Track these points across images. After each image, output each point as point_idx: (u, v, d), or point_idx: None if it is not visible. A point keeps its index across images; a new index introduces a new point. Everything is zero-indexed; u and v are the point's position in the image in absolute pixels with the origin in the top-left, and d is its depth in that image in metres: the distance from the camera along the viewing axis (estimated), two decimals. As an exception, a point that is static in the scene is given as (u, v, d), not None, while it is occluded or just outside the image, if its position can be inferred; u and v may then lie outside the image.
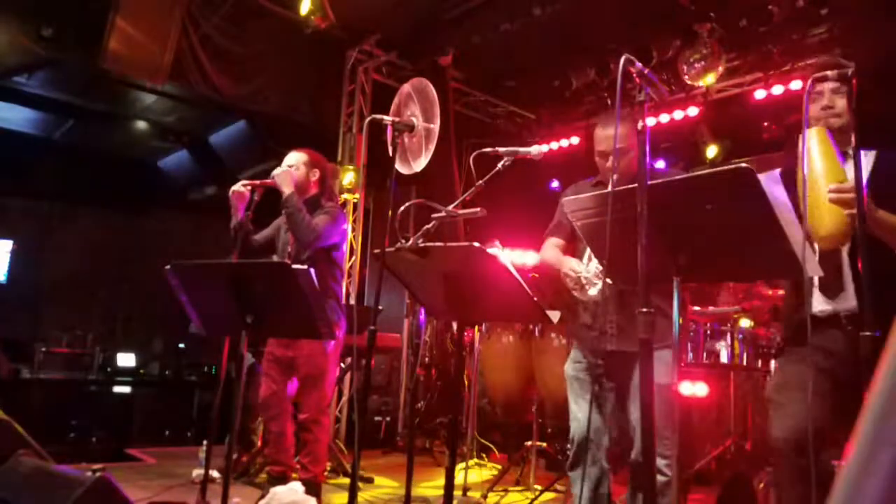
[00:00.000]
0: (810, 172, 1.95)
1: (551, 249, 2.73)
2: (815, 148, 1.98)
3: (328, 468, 4.48)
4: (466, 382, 5.33)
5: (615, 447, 2.71)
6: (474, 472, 4.83)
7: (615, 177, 2.52)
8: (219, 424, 3.35)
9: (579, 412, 2.62)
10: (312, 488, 3.33)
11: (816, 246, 2.07)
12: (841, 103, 2.09)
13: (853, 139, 2.06)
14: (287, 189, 3.31)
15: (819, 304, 2.12)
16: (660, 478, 2.39)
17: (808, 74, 2.10)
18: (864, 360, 1.56)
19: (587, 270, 2.50)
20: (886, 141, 2.10)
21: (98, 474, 1.88)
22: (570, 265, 2.54)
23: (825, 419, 2.01)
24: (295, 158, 3.58)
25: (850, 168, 2.06)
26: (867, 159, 2.09)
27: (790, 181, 2.01)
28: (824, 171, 1.94)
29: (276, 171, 3.39)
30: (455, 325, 2.65)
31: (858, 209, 1.66)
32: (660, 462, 2.39)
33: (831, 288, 2.09)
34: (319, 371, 3.41)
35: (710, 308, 4.61)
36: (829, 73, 1.87)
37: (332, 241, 3.47)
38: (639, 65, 1.74)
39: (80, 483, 1.86)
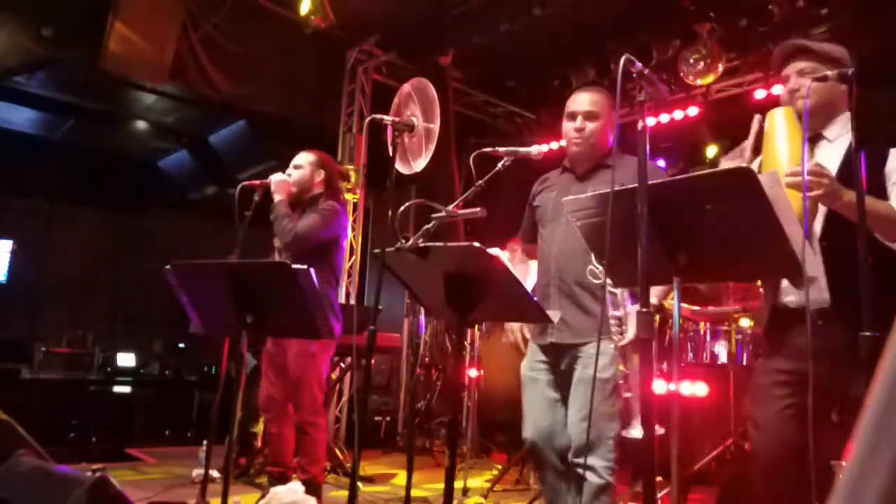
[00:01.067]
0: (772, 155, 1.92)
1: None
2: (778, 128, 1.95)
3: (328, 468, 4.49)
4: (466, 382, 5.33)
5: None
6: (474, 472, 4.83)
7: (580, 143, 2.50)
8: (219, 424, 3.35)
9: (528, 415, 2.52)
10: (312, 488, 3.33)
11: None
12: (804, 83, 1.99)
13: (839, 125, 2.04)
14: (277, 196, 3.41)
15: (787, 294, 2.07)
16: (596, 480, 2.31)
17: (772, 65, 2.08)
18: (864, 360, 1.56)
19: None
20: (885, 140, 2.08)
21: (98, 474, 1.88)
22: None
23: (797, 427, 1.98)
24: (302, 159, 3.62)
25: (823, 150, 2.05)
26: (837, 144, 2.04)
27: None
28: (788, 153, 1.89)
29: (275, 177, 3.44)
30: (454, 325, 2.65)
31: (859, 208, 1.65)
32: (598, 463, 2.31)
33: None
34: (307, 372, 3.41)
35: (710, 308, 4.61)
36: (829, 73, 1.86)
37: (322, 238, 3.45)
38: (639, 65, 1.74)
39: (80, 483, 1.86)
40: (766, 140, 1.97)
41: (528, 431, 2.51)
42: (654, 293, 2.28)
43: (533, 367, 2.58)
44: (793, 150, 1.89)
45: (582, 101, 2.56)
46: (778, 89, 5.34)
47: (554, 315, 2.29)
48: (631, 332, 2.25)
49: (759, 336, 4.37)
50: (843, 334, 1.83)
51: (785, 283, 2.08)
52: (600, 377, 2.25)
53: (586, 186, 2.50)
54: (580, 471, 2.32)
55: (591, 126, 2.52)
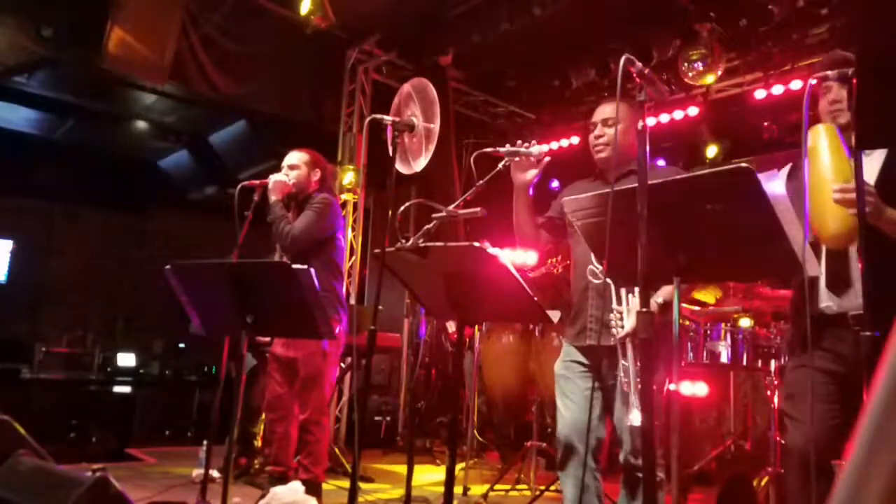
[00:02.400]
0: (817, 171, 1.93)
1: None
2: (823, 145, 1.96)
3: (328, 468, 4.49)
4: (466, 382, 5.33)
5: (613, 447, 2.68)
6: (474, 472, 4.83)
7: (604, 149, 2.53)
8: (219, 424, 3.35)
9: (565, 411, 2.55)
10: (313, 488, 3.33)
11: (823, 245, 2.06)
12: (845, 94, 2.06)
13: (853, 139, 2.06)
14: (273, 196, 3.42)
15: (826, 300, 2.10)
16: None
17: (809, 74, 2.09)
18: (865, 360, 1.56)
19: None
20: (887, 142, 2.08)
21: (98, 474, 1.87)
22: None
23: (835, 427, 2.00)
24: (297, 158, 3.61)
25: (861, 160, 2.06)
26: (878, 156, 2.06)
27: (799, 177, 2.00)
28: (833, 169, 1.91)
29: (274, 177, 3.44)
30: (454, 325, 2.65)
31: (859, 207, 1.66)
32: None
33: (838, 285, 2.08)
34: (318, 371, 3.42)
35: (710, 308, 4.60)
36: (829, 73, 1.87)
37: (319, 235, 3.47)
38: (639, 65, 1.74)
39: (80, 483, 1.86)
40: (811, 156, 1.97)
41: (563, 426, 2.54)
42: (663, 293, 2.32)
43: (567, 367, 2.59)
44: (837, 166, 1.91)
45: (600, 111, 2.62)
46: (778, 89, 5.38)
47: (553, 315, 2.30)
48: (628, 325, 2.28)
49: (761, 336, 4.37)
50: (874, 341, 1.86)
51: (821, 288, 2.11)
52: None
53: None
54: (637, 473, 2.37)
55: (609, 132, 2.55)
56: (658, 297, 2.31)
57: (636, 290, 2.31)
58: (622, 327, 2.30)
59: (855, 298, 2.01)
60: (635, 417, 2.20)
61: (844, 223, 1.85)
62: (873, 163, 2.04)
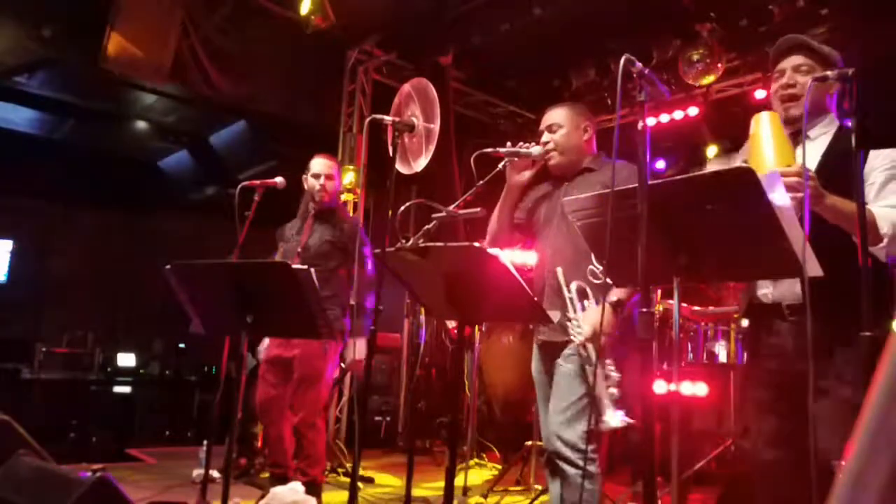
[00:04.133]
0: (759, 157, 1.92)
1: None
2: (765, 131, 1.94)
3: (328, 467, 4.49)
4: (466, 382, 5.33)
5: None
6: (474, 472, 4.83)
7: (553, 155, 2.57)
8: (219, 424, 3.35)
9: (544, 414, 2.55)
10: (313, 489, 3.33)
11: None
12: (803, 80, 2.01)
13: (822, 124, 2.04)
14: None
15: (763, 286, 2.07)
16: (574, 470, 2.34)
17: (769, 63, 2.08)
18: (865, 360, 1.56)
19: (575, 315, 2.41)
20: (886, 141, 2.08)
21: (98, 474, 1.88)
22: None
23: (789, 436, 1.98)
24: (330, 168, 3.67)
25: (801, 148, 2.06)
26: (818, 143, 2.03)
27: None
28: (775, 153, 1.88)
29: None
30: (454, 325, 2.65)
31: (859, 208, 1.65)
32: (574, 454, 2.34)
33: None
34: (316, 373, 3.42)
35: (710, 308, 4.61)
36: (829, 73, 1.86)
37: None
38: (639, 65, 1.74)
39: (80, 483, 1.86)
40: (752, 141, 1.97)
41: (542, 428, 2.56)
42: (619, 293, 2.33)
43: (537, 368, 2.63)
44: (779, 151, 1.89)
45: (546, 118, 2.66)
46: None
47: (554, 315, 2.30)
48: (585, 329, 2.29)
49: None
50: (814, 329, 1.84)
51: None
52: (574, 371, 2.35)
53: (570, 191, 2.54)
54: (560, 463, 2.36)
55: (556, 137, 2.59)
56: (612, 296, 2.33)
57: (590, 294, 2.34)
58: (580, 334, 2.32)
59: (791, 286, 1.97)
60: (611, 418, 2.20)
61: None
62: (815, 151, 2.02)
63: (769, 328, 2.05)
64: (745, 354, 2.30)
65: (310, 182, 3.63)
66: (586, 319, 2.30)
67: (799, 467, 1.87)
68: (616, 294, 2.33)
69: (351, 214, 6.08)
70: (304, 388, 3.42)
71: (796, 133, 2.00)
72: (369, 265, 3.56)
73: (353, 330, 3.45)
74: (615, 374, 2.26)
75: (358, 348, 3.41)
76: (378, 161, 5.75)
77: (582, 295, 2.36)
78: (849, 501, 0.52)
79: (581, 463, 2.32)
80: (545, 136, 2.62)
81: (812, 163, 1.93)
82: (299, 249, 3.55)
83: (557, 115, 2.62)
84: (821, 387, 1.90)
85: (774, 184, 1.58)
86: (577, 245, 2.29)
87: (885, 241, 1.84)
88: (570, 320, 2.35)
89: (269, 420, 3.52)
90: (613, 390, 2.24)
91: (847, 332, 1.62)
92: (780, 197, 1.58)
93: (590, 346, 2.27)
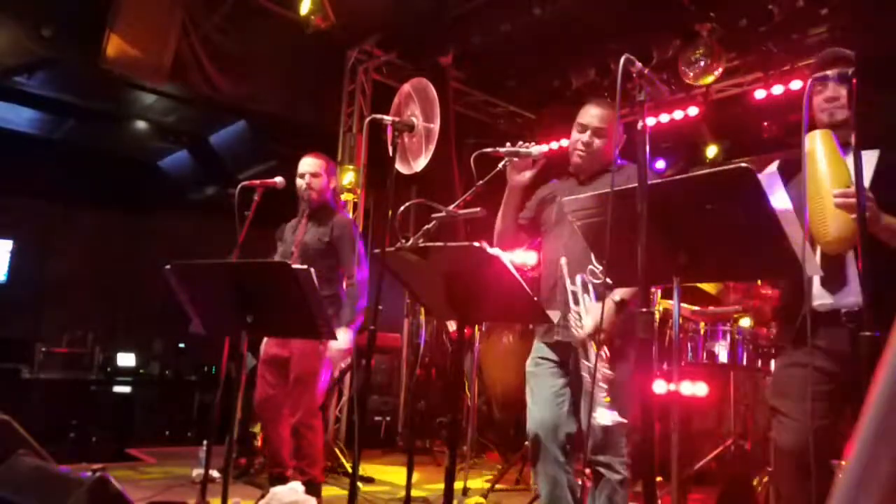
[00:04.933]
0: (815, 176, 1.93)
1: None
2: (819, 150, 1.95)
3: (328, 467, 4.49)
4: (466, 382, 5.33)
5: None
6: (474, 472, 4.83)
7: (583, 156, 2.57)
8: (219, 424, 3.35)
9: (534, 408, 2.58)
10: (312, 488, 3.33)
11: (819, 249, 2.05)
12: (845, 93, 2.04)
13: (853, 138, 2.05)
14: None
15: (819, 297, 2.09)
16: (614, 476, 2.39)
17: (809, 73, 2.08)
18: (864, 360, 1.56)
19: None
20: (887, 141, 2.08)
21: (98, 474, 1.88)
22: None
23: (828, 426, 2.00)
24: (317, 166, 3.64)
25: (853, 163, 2.06)
26: (869, 158, 2.06)
27: (789, 173, 2.00)
28: (830, 174, 1.91)
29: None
30: (454, 325, 2.65)
31: (858, 208, 1.66)
32: (613, 460, 2.39)
33: (833, 282, 2.07)
34: (311, 371, 3.41)
35: (710, 308, 4.60)
36: (829, 72, 1.86)
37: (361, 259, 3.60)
38: (639, 65, 1.74)
39: (80, 483, 1.86)
40: (809, 160, 1.97)
41: (532, 423, 2.55)
42: (622, 292, 2.34)
43: (537, 363, 2.62)
44: (834, 172, 1.91)
45: (593, 115, 2.61)
46: (778, 89, 5.38)
47: (554, 315, 2.30)
48: (588, 324, 2.30)
49: (761, 336, 4.37)
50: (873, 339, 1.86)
51: (816, 286, 2.10)
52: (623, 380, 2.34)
53: (587, 191, 2.52)
54: (600, 469, 2.40)
55: (597, 142, 2.58)
56: (615, 295, 2.33)
57: (591, 290, 2.36)
58: (581, 327, 2.33)
59: (849, 297, 2.00)
60: (602, 416, 2.22)
61: (846, 228, 1.84)
62: (865, 166, 2.03)
63: (825, 334, 2.06)
64: (782, 360, 2.29)
65: (297, 182, 3.63)
66: (589, 314, 2.31)
67: (824, 461, 1.88)
68: (620, 294, 2.33)
69: (351, 214, 6.10)
70: (301, 387, 3.42)
71: (845, 144, 2.01)
72: (362, 266, 3.56)
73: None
74: (608, 373, 2.27)
75: (340, 338, 3.40)
76: (378, 161, 5.76)
77: (585, 289, 2.36)
78: (849, 502, 0.52)
79: (623, 469, 2.38)
80: (586, 136, 2.59)
81: (864, 178, 1.94)
82: (293, 249, 3.55)
83: (605, 120, 2.57)
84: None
85: (774, 184, 1.58)
86: (586, 245, 2.31)
87: None
88: (570, 312, 2.36)
89: (267, 419, 3.53)
90: (604, 386, 2.25)
91: None
92: (780, 197, 1.58)
93: (590, 343, 2.27)
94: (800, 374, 2.10)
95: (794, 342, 2.17)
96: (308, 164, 3.65)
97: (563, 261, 2.42)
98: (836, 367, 2.04)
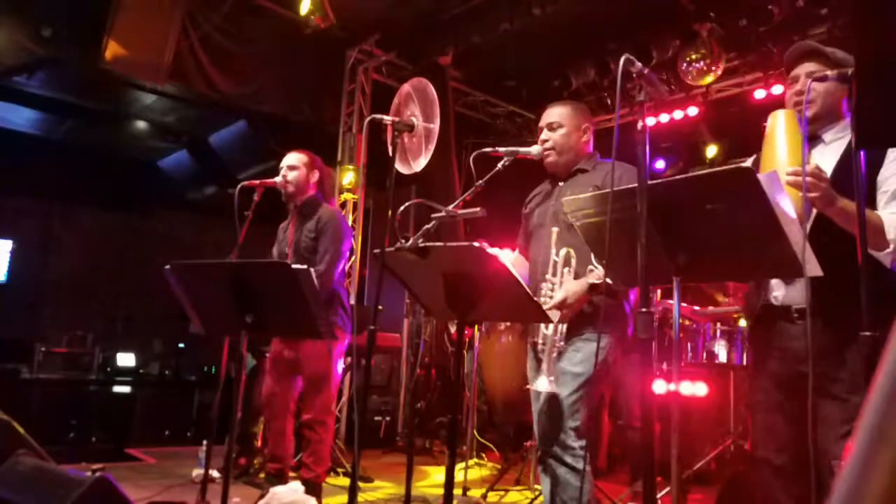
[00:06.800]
0: (772, 154, 1.92)
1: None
2: (780, 130, 1.95)
3: (328, 467, 4.49)
4: (466, 382, 5.33)
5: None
6: (474, 472, 4.83)
7: (550, 153, 2.58)
8: (219, 424, 3.35)
9: (535, 405, 2.58)
10: (313, 488, 3.33)
11: None
12: (817, 87, 2.01)
13: (837, 129, 2.05)
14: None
15: (775, 288, 2.08)
16: (563, 468, 2.36)
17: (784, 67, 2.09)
18: (864, 360, 1.56)
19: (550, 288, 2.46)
20: (886, 141, 2.08)
21: (98, 474, 1.88)
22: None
23: (796, 438, 1.98)
24: (295, 159, 3.62)
25: (819, 152, 2.06)
26: (832, 149, 2.04)
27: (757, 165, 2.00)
28: (788, 154, 1.89)
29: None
30: (454, 325, 2.66)
31: (859, 208, 1.65)
32: (563, 451, 2.36)
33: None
34: (323, 372, 3.43)
35: (710, 308, 4.61)
36: (828, 73, 1.86)
37: (344, 255, 3.53)
38: (639, 65, 1.74)
39: (80, 483, 1.86)
40: (766, 139, 1.98)
41: (535, 426, 2.57)
42: (595, 276, 2.36)
43: (530, 367, 2.64)
44: (792, 151, 1.90)
45: (548, 114, 2.65)
46: (778, 89, 5.38)
47: (553, 315, 2.30)
48: (558, 294, 2.34)
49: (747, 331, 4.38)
50: (823, 333, 1.86)
51: (773, 279, 2.09)
52: (571, 370, 2.38)
53: (563, 191, 2.54)
54: (550, 460, 2.40)
55: (556, 135, 2.59)
56: (592, 277, 2.34)
57: (573, 265, 2.38)
58: (551, 297, 2.35)
59: (800, 289, 1.96)
60: (542, 383, 2.28)
61: (796, 206, 1.80)
62: (829, 155, 2.02)
63: (779, 331, 2.05)
64: (749, 356, 2.30)
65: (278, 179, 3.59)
66: (563, 287, 2.35)
67: (801, 469, 1.88)
68: (596, 277, 2.34)
69: (351, 214, 6.10)
70: (314, 389, 3.44)
71: (811, 139, 2.01)
72: (333, 262, 3.45)
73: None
74: (561, 344, 2.35)
75: None
76: (378, 161, 5.75)
77: (567, 263, 2.39)
78: (849, 502, 0.52)
79: (575, 461, 2.36)
80: (544, 134, 2.62)
81: (828, 167, 1.93)
82: (288, 249, 3.55)
83: (558, 114, 2.62)
84: (826, 389, 1.90)
85: (774, 184, 1.58)
86: (572, 246, 2.34)
87: (892, 247, 1.85)
88: (545, 281, 2.40)
89: (272, 414, 3.55)
90: (554, 356, 2.32)
91: (853, 334, 1.63)
92: (780, 197, 1.58)
93: (554, 313, 2.30)
94: (757, 386, 2.11)
95: (754, 343, 2.18)
96: (287, 158, 3.63)
97: (555, 231, 2.43)
98: (791, 368, 2.00)
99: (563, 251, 2.40)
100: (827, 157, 2.01)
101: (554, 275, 2.39)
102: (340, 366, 3.56)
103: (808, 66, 2.10)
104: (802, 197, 1.76)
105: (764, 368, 2.10)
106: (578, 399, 2.38)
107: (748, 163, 2.06)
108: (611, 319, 2.43)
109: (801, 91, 2.07)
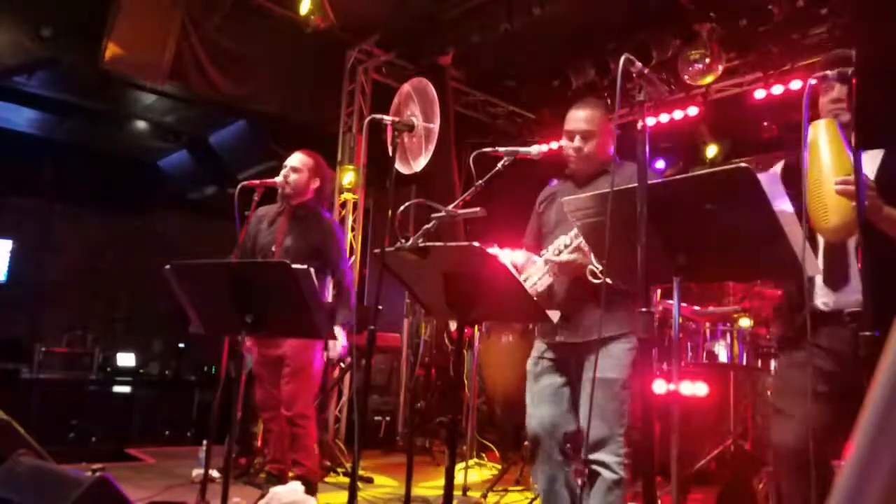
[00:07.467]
0: (817, 164, 1.93)
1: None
2: (822, 139, 1.95)
3: (328, 467, 4.49)
4: (466, 382, 5.33)
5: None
6: (474, 472, 4.83)
7: (574, 160, 2.58)
8: (219, 424, 3.35)
9: (532, 407, 2.59)
10: (307, 484, 3.32)
11: (821, 238, 2.05)
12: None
13: (853, 138, 2.05)
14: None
15: (822, 296, 2.09)
16: (609, 475, 2.36)
17: (809, 74, 2.08)
18: (864, 360, 1.56)
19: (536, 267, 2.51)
20: (887, 141, 2.08)
21: (98, 474, 1.88)
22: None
23: (827, 427, 1.99)
24: (300, 161, 3.59)
25: (861, 159, 2.07)
26: (873, 157, 2.06)
27: (793, 177, 2.00)
28: (832, 163, 1.90)
29: (333, 356, 3.56)
30: (454, 325, 2.66)
31: (859, 208, 1.66)
32: (609, 459, 2.37)
33: (835, 281, 2.06)
34: (307, 364, 3.43)
35: (710, 308, 4.61)
36: (828, 72, 1.87)
37: (346, 258, 3.66)
38: (639, 65, 1.74)
39: (80, 483, 1.86)
40: (811, 150, 1.97)
41: (532, 421, 2.57)
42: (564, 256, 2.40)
43: (536, 362, 2.63)
44: (837, 160, 1.90)
45: (578, 119, 2.59)
46: (778, 89, 5.38)
47: (553, 315, 2.30)
48: (565, 256, 2.38)
49: (761, 336, 4.37)
50: (874, 339, 1.86)
51: (818, 284, 2.10)
52: (607, 377, 2.35)
53: (586, 192, 2.52)
54: (595, 467, 2.38)
55: (588, 145, 2.56)
56: (592, 266, 2.33)
57: (584, 252, 2.37)
58: (557, 256, 2.39)
59: (852, 295, 2.00)
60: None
61: (845, 215, 1.83)
62: (870, 163, 2.03)
63: (827, 335, 2.06)
64: (784, 359, 2.28)
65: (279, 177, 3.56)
66: (573, 253, 2.36)
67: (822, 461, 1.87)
68: (595, 267, 2.34)
69: (351, 214, 6.10)
70: (296, 381, 3.41)
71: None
72: (347, 269, 3.58)
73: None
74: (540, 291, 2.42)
75: (339, 339, 3.45)
76: (378, 161, 5.75)
77: (576, 248, 2.39)
78: (849, 502, 0.52)
79: (620, 469, 2.37)
80: (576, 142, 2.55)
81: (868, 174, 1.94)
82: (274, 248, 3.52)
83: (591, 121, 2.55)
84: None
85: (775, 185, 1.58)
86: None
87: None
88: (557, 239, 2.43)
89: (270, 416, 3.56)
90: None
91: None
92: (780, 198, 1.58)
93: (554, 313, 2.33)
94: (799, 375, 2.09)
95: (795, 341, 2.17)
96: (292, 157, 3.59)
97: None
98: (836, 367, 2.03)
99: (580, 238, 2.36)
100: (867, 164, 2.01)
101: (565, 240, 2.40)
102: (323, 357, 3.56)
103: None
104: (854, 206, 1.76)
105: (807, 361, 2.08)
106: (623, 402, 2.38)
107: (776, 170, 2.07)
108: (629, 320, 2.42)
109: (837, 99, 2.07)
